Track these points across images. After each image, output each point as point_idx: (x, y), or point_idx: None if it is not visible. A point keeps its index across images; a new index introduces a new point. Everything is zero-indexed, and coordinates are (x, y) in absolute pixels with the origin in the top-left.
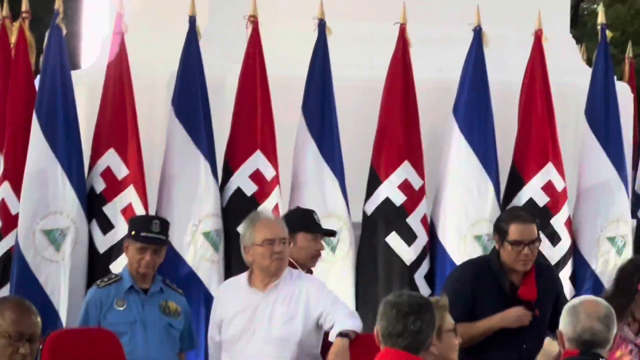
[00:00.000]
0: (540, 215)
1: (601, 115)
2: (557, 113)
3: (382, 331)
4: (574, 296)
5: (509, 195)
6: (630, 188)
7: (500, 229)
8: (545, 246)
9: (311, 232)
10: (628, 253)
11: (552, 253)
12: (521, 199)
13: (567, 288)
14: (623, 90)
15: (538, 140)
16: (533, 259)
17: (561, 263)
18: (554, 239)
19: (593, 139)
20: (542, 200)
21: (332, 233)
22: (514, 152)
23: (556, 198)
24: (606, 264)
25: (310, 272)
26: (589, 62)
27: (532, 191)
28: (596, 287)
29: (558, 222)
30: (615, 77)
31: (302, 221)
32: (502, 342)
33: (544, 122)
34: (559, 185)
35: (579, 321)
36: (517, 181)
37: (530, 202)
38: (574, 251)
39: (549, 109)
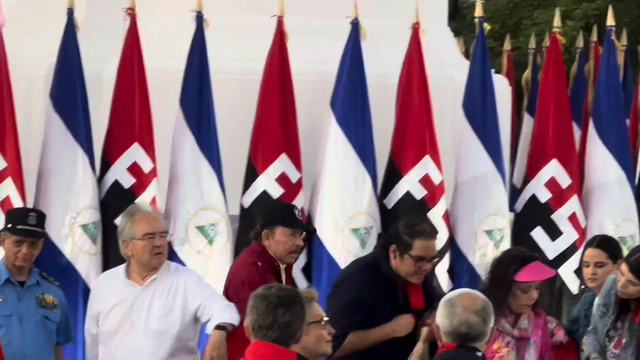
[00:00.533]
0: (417, 208)
1: (479, 108)
2: (434, 106)
3: (252, 324)
4: (452, 289)
5: (386, 188)
6: (507, 181)
7: (401, 241)
8: None
9: (290, 227)
10: (505, 246)
11: None
12: (398, 192)
13: (445, 281)
14: (501, 83)
15: (415, 133)
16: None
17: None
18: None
19: (470, 132)
20: (419, 193)
21: (312, 230)
22: (391, 145)
23: (433, 191)
24: (483, 257)
25: (290, 267)
26: (467, 54)
27: (410, 184)
28: (473, 280)
29: (435, 215)
30: (493, 70)
31: (281, 215)
32: (388, 349)
33: (421, 115)
34: (436, 178)
35: (456, 314)
36: (394, 174)
37: (408, 195)
38: (451, 244)
39: (427, 102)
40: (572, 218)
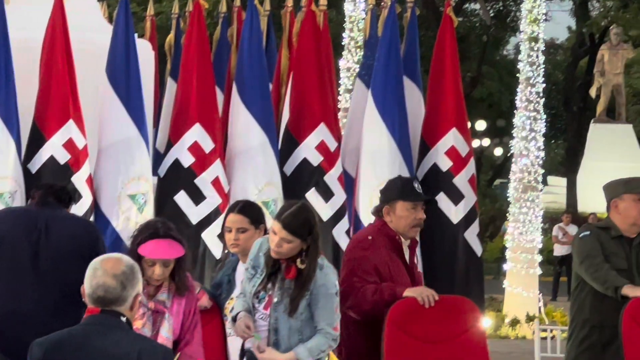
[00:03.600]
0: (61, 173)
1: (122, 72)
2: (78, 70)
3: None
4: None
5: (30, 152)
6: (151, 146)
7: None
8: None
9: (410, 200)
10: (149, 210)
11: (73, 210)
12: (42, 156)
13: None
14: (144, 48)
15: (59, 98)
16: None
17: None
18: (76, 197)
19: (114, 97)
20: (63, 157)
21: (431, 201)
22: (35, 110)
23: (77, 155)
24: (127, 221)
25: (415, 241)
26: (110, 19)
27: (53, 148)
28: (117, 244)
29: (79, 179)
30: (136, 35)
31: (400, 190)
32: None
33: (65, 79)
34: (79, 142)
35: (96, 277)
36: (38, 138)
37: (52, 159)
38: (95, 208)
39: (70, 67)
40: (216, 182)
